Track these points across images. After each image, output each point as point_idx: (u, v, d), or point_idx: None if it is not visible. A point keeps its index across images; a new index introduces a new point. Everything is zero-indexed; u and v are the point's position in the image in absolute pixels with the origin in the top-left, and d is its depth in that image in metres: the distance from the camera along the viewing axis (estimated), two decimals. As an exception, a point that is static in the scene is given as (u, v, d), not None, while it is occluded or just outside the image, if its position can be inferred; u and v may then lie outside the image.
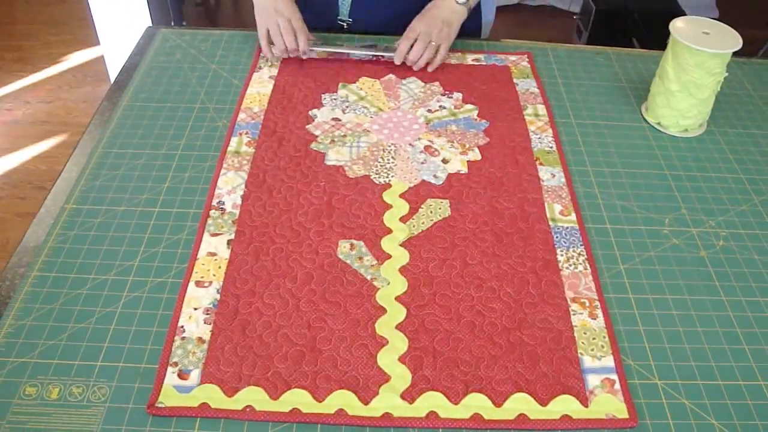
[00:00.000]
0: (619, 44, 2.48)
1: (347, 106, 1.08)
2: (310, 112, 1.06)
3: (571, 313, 0.80)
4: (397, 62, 1.15)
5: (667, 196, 0.97)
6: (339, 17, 1.23)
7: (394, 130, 1.04)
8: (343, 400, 0.71)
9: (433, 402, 0.71)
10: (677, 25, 1.03)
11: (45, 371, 0.72)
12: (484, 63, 1.20)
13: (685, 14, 2.46)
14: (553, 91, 1.15)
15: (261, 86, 1.11)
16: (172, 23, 2.53)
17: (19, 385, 0.71)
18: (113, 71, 2.50)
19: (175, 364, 0.73)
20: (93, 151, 0.99)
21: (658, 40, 2.52)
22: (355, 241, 0.87)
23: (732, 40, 1.01)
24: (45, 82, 2.60)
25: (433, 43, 1.13)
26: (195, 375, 0.72)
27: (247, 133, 1.02)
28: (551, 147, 1.02)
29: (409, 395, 0.71)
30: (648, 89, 1.14)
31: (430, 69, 1.16)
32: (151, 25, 2.35)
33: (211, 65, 1.17)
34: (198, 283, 0.81)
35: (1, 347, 0.74)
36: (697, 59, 1.00)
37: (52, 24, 2.92)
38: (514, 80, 1.15)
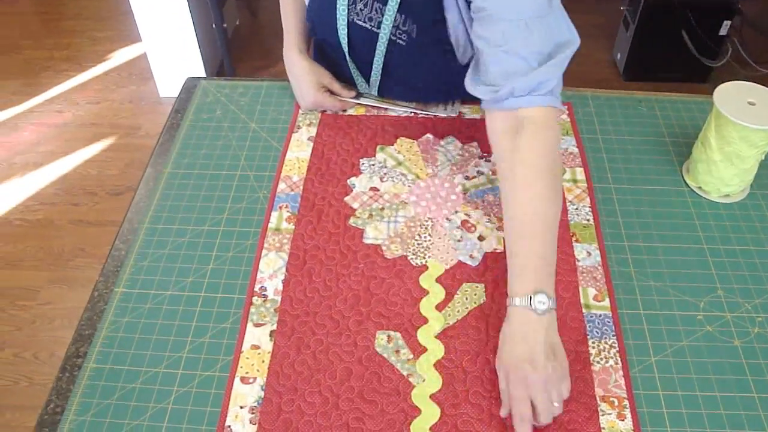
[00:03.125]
0: (669, 38, 2.42)
1: (385, 173, 1.10)
2: (348, 181, 1.08)
3: (600, 413, 0.82)
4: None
5: (704, 275, 0.97)
6: None
7: (432, 202, 1.05)
8: None
9: None
10: (720, 93, 1.01)
11: (105, 473, 0.78)
12: (522, 115, 1.19)
13: (737, 7, 2.36)
14: (592, 149, 1.14)
15: (300, 150, 1.13)
16: (213, 24, 2.53)
17: (82, 490, 0.77)
18: (156, 68, 2.54)
19: (223, 467, 0.78)
20: (139, 228, 1.03)
21: (709, 34, 2.44)
22: (392, 333, 0.90)
23: (778, 110, 0.99)
24: (92, 81, 2.66)
25: (556, 404, 0.80)
26: (241, 480, 0.77)
27: (286, 207, 1.05)
28: (588, 220, 1.03)
29: (441, 507, 0.75)
30: (690, 143, 1.12)
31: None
32: (191, 18, 2.37)
33: (250, 123, 1.19)
34: (243, 379, 0.86)
35: (64, 445, 0.81)
36: (740, 133, 0.99)
37: (98, 19, 2.97)
38: (553, 138, 1.15)
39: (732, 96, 1.01)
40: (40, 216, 2.18)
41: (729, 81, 1.05)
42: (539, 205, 0.87)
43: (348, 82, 1.20)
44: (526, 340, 0.80)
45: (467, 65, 1.06)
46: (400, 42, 1.05)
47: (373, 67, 1.11)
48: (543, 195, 0.87)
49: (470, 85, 0.97)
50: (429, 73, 1.10)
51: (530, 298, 0.81)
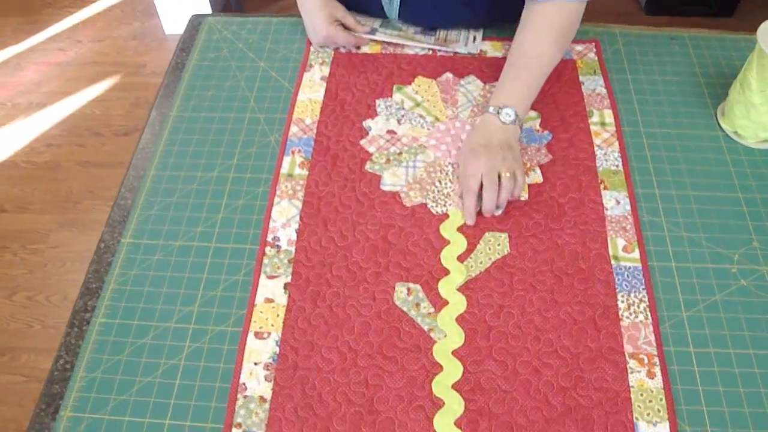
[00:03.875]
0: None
1: (402, 115, 1.04)
2: (363, 123, 1.03)
3: (629, 371, 0.79)
4: (470, 222, 0.91)
5: (738, 226, 0.92)
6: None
7: (452, 146, 1.00)
8: (400, 472, 0.73)
9: (488, 475, 0.72)
10: (764, 31, 0.94)
11: (117, 430, 0.76)
12: (547, 53, 1.12)
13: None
14: (621, 90, 1.08)
15: (312, 91, 1.07)
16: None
17: (94, 447, 0.75)
18: (160, 4, 2.45)
19: (239, 425, 0.76)
20: (145, 174, 0.99)
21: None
22: (411, 285, 0.86)
23: (826, 48, 0.92)
24: (95, 18, 2.56)
25: (507, 174, 0.90)
26: (257, 439, 0.75)
27: (299, 152, 0.99)
28: (617, 166, 0.97)
29: (464, 467, 0.73)
30: (725, 83, 1.05)
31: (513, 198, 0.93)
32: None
33: (259, 62, 1.13)
34: (257, 335, 0.82)
35: (76, 402, 0.78)
36: (784, 73, 0.92)
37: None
38: (580, 78, 1.08)
39: (776, 33, 0.94)
40: (46, 158, 2.14)
41: (757, 15, 0.97)
42: (543, 49, 0.99)
43: (368, 2, 1.14)
44: (486, 134, 0.93)
45: None
46: None
47: None
48: (549, 42, 0.99)
49: None
50: None
51: (500, 109, 0.94)
